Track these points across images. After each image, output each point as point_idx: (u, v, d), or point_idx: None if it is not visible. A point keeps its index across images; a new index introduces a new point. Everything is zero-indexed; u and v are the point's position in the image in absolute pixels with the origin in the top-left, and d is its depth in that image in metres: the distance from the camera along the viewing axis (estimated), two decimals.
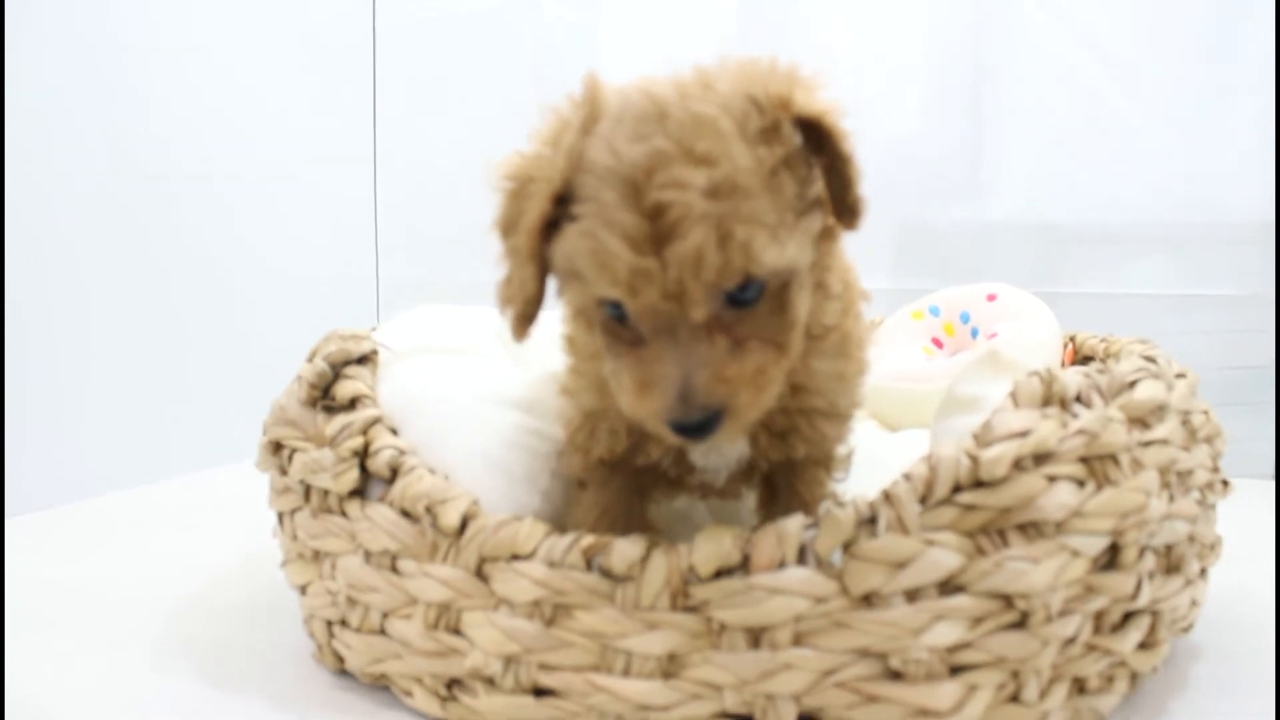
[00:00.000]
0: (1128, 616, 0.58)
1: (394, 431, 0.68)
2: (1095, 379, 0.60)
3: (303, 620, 0.73)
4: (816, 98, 0.54)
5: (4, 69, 1.29)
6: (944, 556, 0.52)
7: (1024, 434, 0.54)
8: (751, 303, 0.52)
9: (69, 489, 1.18)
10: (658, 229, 0.49)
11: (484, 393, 0.73)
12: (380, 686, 0.66)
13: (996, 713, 0.53)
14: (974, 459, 0.53)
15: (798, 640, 0.53)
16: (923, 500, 0.53)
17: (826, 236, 0.58)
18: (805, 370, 0.60)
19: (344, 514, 0.66)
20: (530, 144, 0.57)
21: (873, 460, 0.89)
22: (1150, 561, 0.58)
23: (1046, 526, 0.53)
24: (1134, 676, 0.60)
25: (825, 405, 0.63)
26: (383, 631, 0.64)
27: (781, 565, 0.53)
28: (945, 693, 0.52)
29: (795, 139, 0.54)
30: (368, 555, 0.64)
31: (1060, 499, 0.53)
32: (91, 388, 1.42)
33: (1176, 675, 0.67)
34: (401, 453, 0.65)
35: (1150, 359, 0.69)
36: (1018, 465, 0.53)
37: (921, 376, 1.07)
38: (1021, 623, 0.53)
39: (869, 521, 0.53)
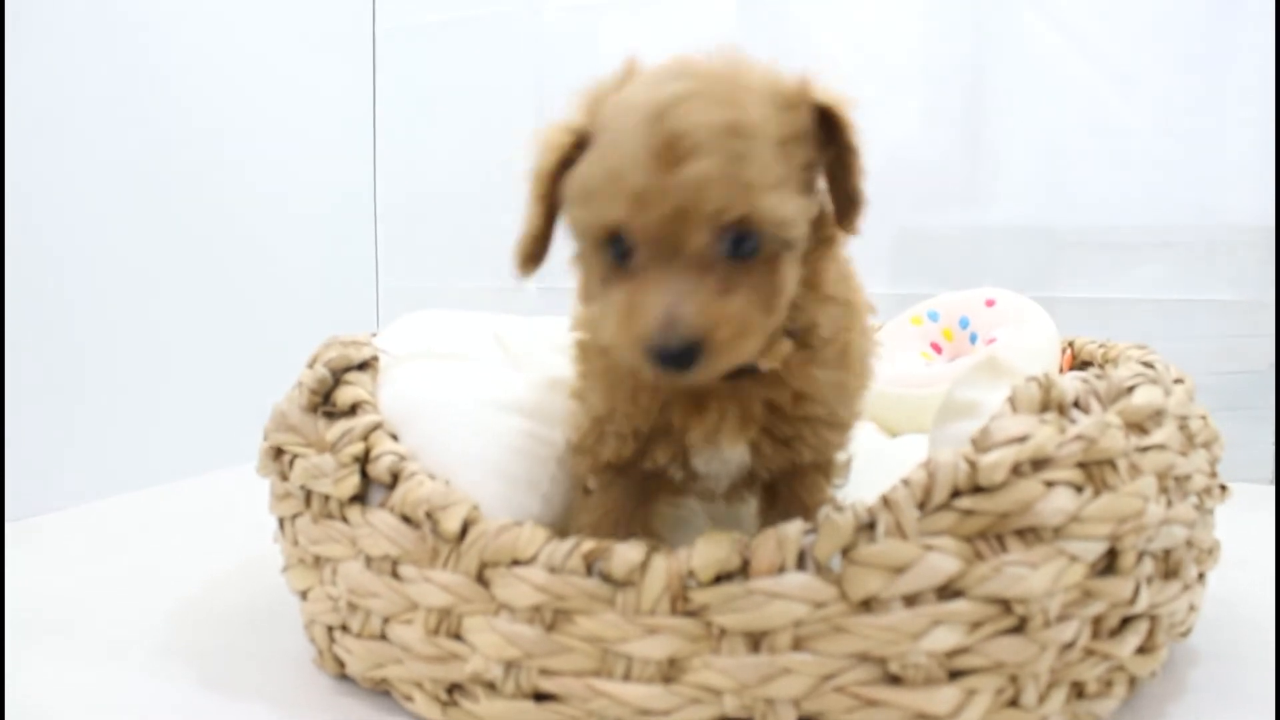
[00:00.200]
0: (1126, 621, 0.58)
1: (394, 437, 0.69)
2: (1093, 384, 0.60)
3: (303, 625, 0.73)
4: (833, 89, 0.58)
5: (2, 74, 1.29)
6: (942, 561, 0.52)
7: (1022, 439, 0.54)
8: (746, 258, 0.53)
9: (70, 493, 1.18)
10: (671, 153, 0.51)
11: (484, 398, 0.73)
12: (381, 691, 0.66)
13: (995, 717, 0.54)
14: (972, 464, 0.53)
15: (797, 645, 0.53)
16: (921, 505, 0.53)
17: (826, 243, 0.60)
18: (807, 378, 0.62)
19: (345, 519, 0.66)
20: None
21: (872, 465, 0.90)
22: (1148, 566, 0.58)
23: (1045, 531, 0.53)
24: (1132, 681, 0.60)
25: (826, 414, 0.64)
26: (383, 636, 0.64)
27: (781, 570, 0.54)
28: (944, 697, 0.52)
29: (809, 125, 0.57)
30: (368, 560, 0.64)
31: (1058, 504, 0.53)
32: (92, 392, 1.42)
33: (1175, 680, 0.67)
34: (402, 458, 0.65)
35: (1148, 364, 0.69)
36: (1016, 470, 0.53)
37: (920, 381, 1.07)
38: (1020, 627, 0.53)
39: (868, 526, 0.54)
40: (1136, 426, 0.59)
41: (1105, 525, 0.54)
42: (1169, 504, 0.60)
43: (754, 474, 0.66)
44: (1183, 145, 1.51)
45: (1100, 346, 0.98)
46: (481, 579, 0.59)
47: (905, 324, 1.19)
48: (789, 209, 0.54)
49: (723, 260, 0.53)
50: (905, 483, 0.54)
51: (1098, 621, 0.56)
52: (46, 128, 1.36)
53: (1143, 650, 0.60)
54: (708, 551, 0.54)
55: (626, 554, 0.55)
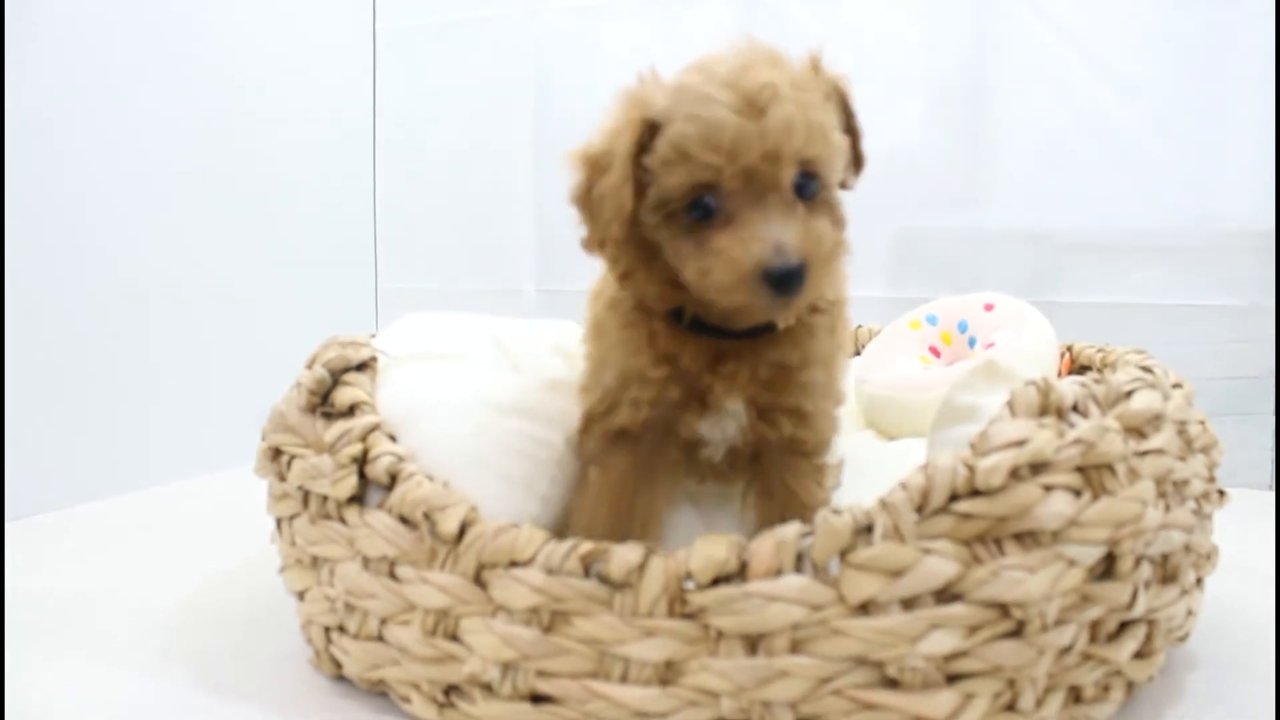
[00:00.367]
0: (1124, 626, 0.58)
1: (393, 438, 0.68)
2: (1092, 389, 0.60)
3: (301, 626, 0.73)
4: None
5: (3, 71, 1.29)
6: (940, 565, 0.52)
7: (1020, 443, 0.54)
8: (809, 199, 0.61)
9: (66, 493, 1.18)
10: (755, 104, 0.58)
11: (483, 399, 0.73)
12: (378, 692, 0.66)
13: None
14: (971, 468, 0.53)
15: (794, 648, 0.53)
16: (919, 509, 0.53)
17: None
18: (811, 341, 0.69)
19: (342, 520, 0.66)
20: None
21: (870, 469, 0.89)
22: (1146, 571, 0.58)
23: (1043, 536, 0.53)
24: (1130, 685, 0.60)
25: (824, 380, 0.70)
26: (381, 638, 0.64)
27: (779, 573, 0.54)
28: (941, 701, 0.52)
29: (831, 92, 0.65)
30: (366, 561, 0.64)
31: (1056, 508, 0.53)
32: (91, 392, 1.42)
33: (1172, 684, 0.67)
34: (400, 459, 0.65)
35: (1147, 369, 0.69)
36: (1014, 474, 0.53)
37: (919, 385, 1.07)
38: (1018, 631, 0.53)
39: (865, 530, 0.54)
40: (1135, 431, 0.59)
41: (1103, 530, 0.54)
42: (1167, 509, 0.60)
43: (752, 444, 0.71)
44: (1181, 150, 1.51)
45: (1099, 351, 0.98)
46: (479, 580, 0.59)
47: (904, 328, 1.19)
48: (843, 152, 0.64)
49: (796, 201, 0.60)
50: (903, 486, 0.54)
51: (1095, 626, 0.57)
52: (45, 131, 1.37)
53: (1140, 655, 0.60)
54: (705, 554, 0.54)
55: (624, 556, 0.55)
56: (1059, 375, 1.04)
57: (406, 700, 0.63)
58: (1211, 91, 1.50)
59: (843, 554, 0.53)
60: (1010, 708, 0.54)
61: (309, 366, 0.73)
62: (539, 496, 0.70)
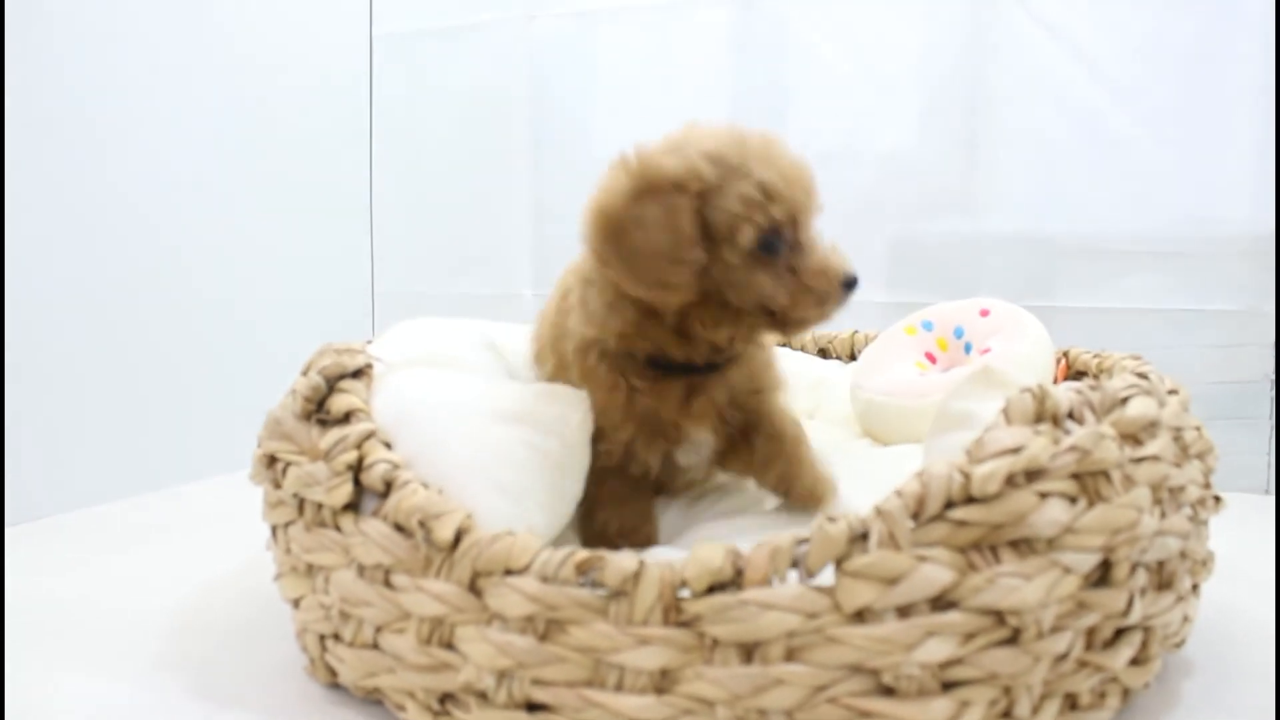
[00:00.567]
0: (1119, 633, 0.58)
1: (388, 445, 0.68)
2: (1087, 395, 0.60)
3: (296, 634, 0.73)
4: None
5: (3, 75, 1.29)
6: (936, 572, 0.52)
7: (1016, 450, 0.54)
8: None
9: (62, 500, 1.17)
10: (804, 163, 0.72)
11: (479, 406, 0.73)
12: (373, 701, 0.66)
13: None
14: (966, 475, 0.53)
15: (790, 656, 0.53)
16: (915, 516, 0.53)
17: None
18: (752, 358, 0.81)
19: (338, 528, 0.66)
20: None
21: (865, 475, 0.89)
22: (1142, 578, 0.58)
23: (1038, 543, 0.53)
24: (1126, 692, 0.60)
25: (770, 383, 0.83)
26: (376, 646, 0.64)
27: (774, 581, 0.54)
28: (937, 709, 0.52)
29: None
30: (361, 569, 0.64)
31: (1052, 515, 0.53)
32: (86, 398, 1.42)
33: (1169, 691, 0.67)
34: (395, 466, 0.65)
35: (1142, 375, 0.69)
36: (1010, 482, 0.53)
37: (915, 392, 1.07)
38: (1013, 639, 0.53)
39: (861, 537, 0.53)
40: (1131, 438, 0.59)
41: (1099, 537, 0.54)
42: (1163, 515, 0.60)
43: (722, 452, 0.83)
44: (1177, 155, 1.51)
45: (1095, 357, 0.98)
46: (474, 588, 0.58)
47: (899, 334, 1.19)
48: None
49: None
50: (899, 493, 0.54)
51: (1091, 633, 0.56)
52: (43, 135, 1.36)
53: (1136, 662, 0.59)
54: (700, 561, 0.54)
55: (619, 563, 0.55)
56: (1055, 381, 1.04)
57: (401, 708, 0.63)
58: (1207, 96, 1.50)
59: (838, 562, 0.53)
60: (1006, 715, 0.54)
61: (304, 373, 0.72)
62: (537, 504, 0.70)
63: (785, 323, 0.73)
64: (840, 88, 1.71)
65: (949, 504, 0.53)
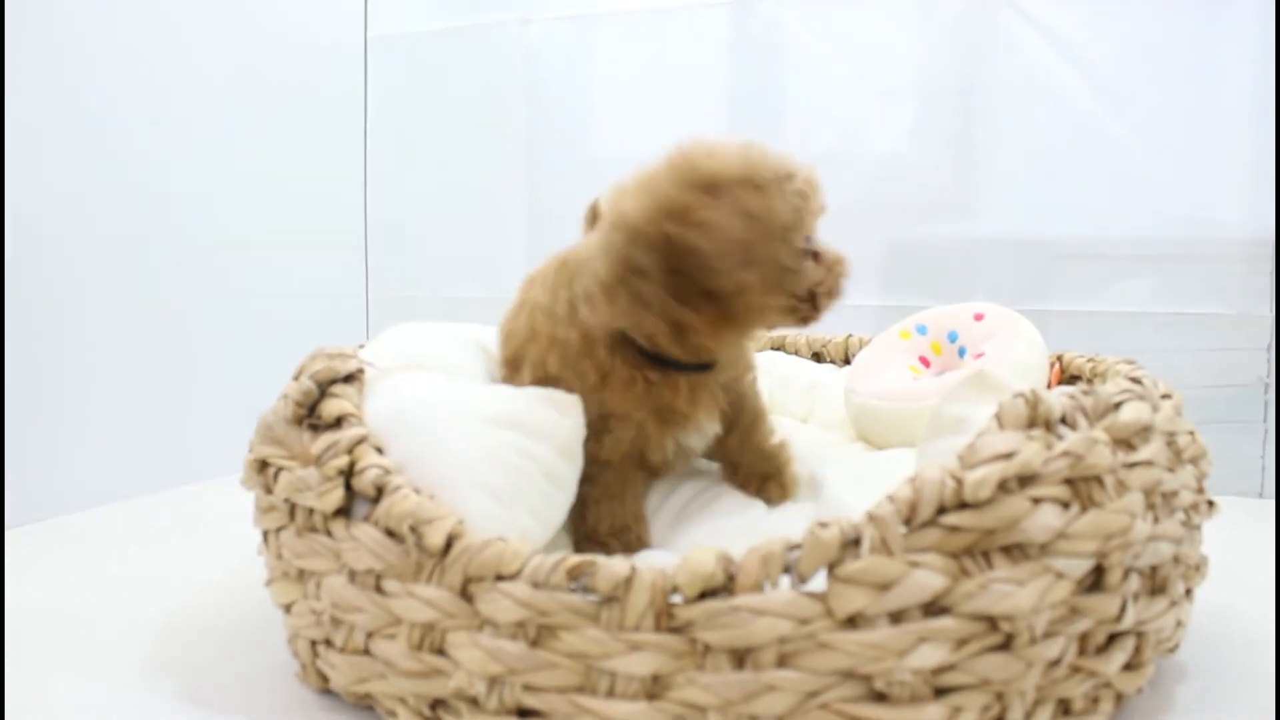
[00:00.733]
0: (1113, 638, 0.58)
1: (380, 450, 0.68)
2: (1080, 400, 0.60)
3: (287, 639, 0.72)
4: None
5: (3, 75, 1.29)
6: (928, 578, 0.52)
7: (1009, 456, 0.54)
8: None
9: (51, 504, 1.17)
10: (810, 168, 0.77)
11: (471, 411, 0.73)
12: (364, 706, 0.66)
13: None
14: (959, 480, 0.53)
15: (782, 662, 0.53)
16: (907, 521, 0.53)
17: None
18: (737, 354, 0.87)
19: (329, 533, 0.66)
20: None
21: (858, 479, 0.89)
22: (1135, 583, 0.58)
23: (1031, 548, 0.53)
24: (1119, 698, 0.60)
25: (752, 375, 0.93)
26: (367, 651, 0.63)
27: (766, 587, 0.53)
28: (930, 715, 0.52)
29: None
30: (352, 575, 0.64)
31: (1045, 521, 0.53)
32: (79, 402, 1.41)
33: (1162, 696, 0.67)
34: (387, 472, 0.65)
35: (1136, 380, 0.69)
36: (1002, 487, 0.53)
37: (908, 396, 1.07)
38: (1006, 644, 0.53)
39: (853, 543, 0.53)
40: (1124, 443, 0.59)
41: (1092, 542, 0.54)
42: (1156, 520, 0.60)
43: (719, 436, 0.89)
44: (1173, 159, 1.51)
45: (1089, 361, 0.98)
46: (465, 594, 0.58)
47: (893, 337, 1.19)
48: None
49: None
50: (891, 499, 0.54)
51: (1084, 638, 0.56)
52: (41, 139, 1.36)
53: (1129, 667, 0.59)
54: (692, 567, 0.54)
55: (611, 569, 0.55)
56: (1049, 385, 1.04)
57: (393, 714, 0.63)
58: (1201, 100, 1.50)
59: (830, 567, 0.53)
60: None
61: (296, 378, 0.72)
62: (529, 509, 0.70)
63: (818, 309, 0.78)
64: (836, 91, 1.71)
65: (941, 509, 0.53)
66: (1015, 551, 0.53)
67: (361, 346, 0.84)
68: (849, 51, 1.69)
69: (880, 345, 1.20)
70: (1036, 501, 0.53)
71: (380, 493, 0.64)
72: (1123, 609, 0.56)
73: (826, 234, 0.81)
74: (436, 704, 0.60)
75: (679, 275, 0.71)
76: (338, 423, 0.69)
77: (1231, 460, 1.43)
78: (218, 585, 0.91)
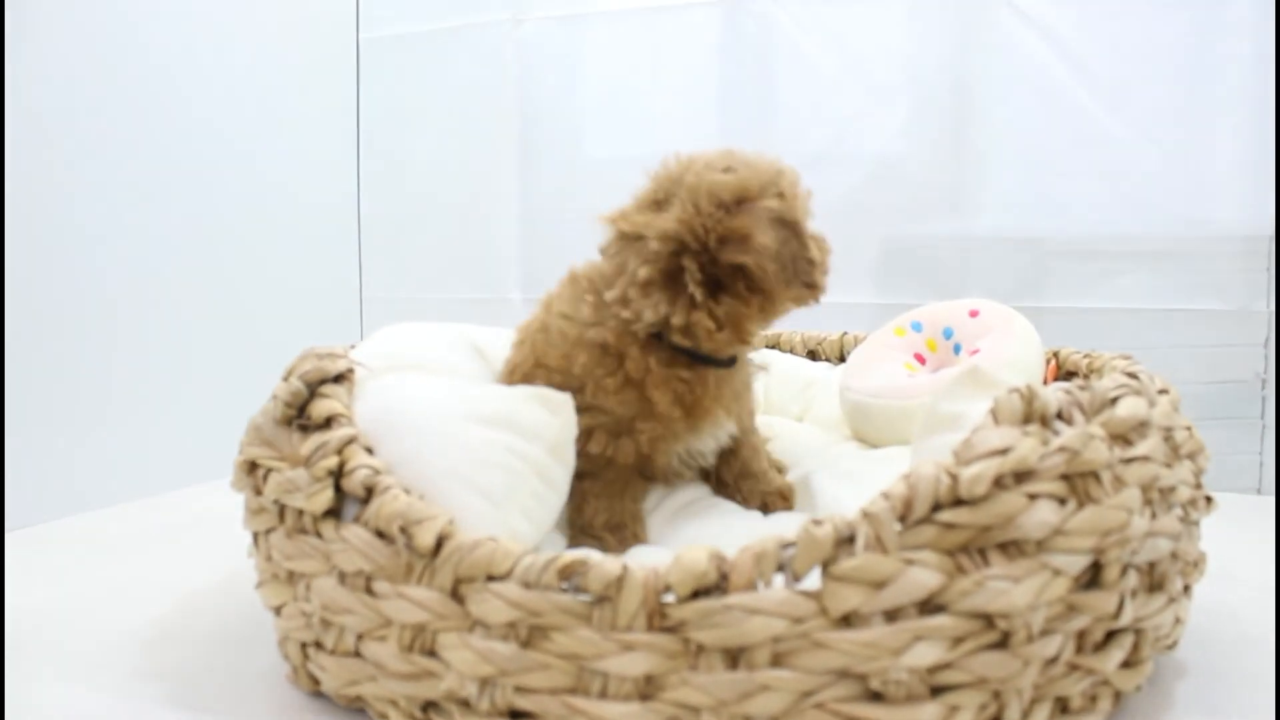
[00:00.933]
0: (1110, 635, 0.57)
1: (370, 450, 0.68)
2: (1077, 396, 0.60)
3: (278, 642, 0.72)
4: None
5: (3, 77, 1.29)
6: (924, 576, 0.52)
7: (1004, 451, 0.54)
8: None
9: (41, 509, 1.16)
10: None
11: (462, 410, 0.72)
12: (356, 709, 0.65)
13: None
14: (954, 477, 0.53)
15: (776, 661, 0.52)
16: (902, 519, 0.53)
17: None
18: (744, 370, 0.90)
19: (319, 534, 0.65)
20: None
21: (853, 477, 0.89)
22: (1133, 579, 0.57)
23: (1027, 545, 0.53)
24: (1117, 695, 0.60)
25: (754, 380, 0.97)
26: (357, 653, 0.63)
27: (760, 585, 0.53)
28: (926, 714, 0.52)
29: None
30: (342, 576, 0.63)
31: (1041, 517, 0.52)
32: (67, 405, 1.40)
33: (1161, 693, 0.66)
34: (377, 472, 0.64)
35: (1132, 375, 0.69)
36: (998, 483, 0.53)
37: (904, 393, 1.06)
38: (1003, 642, 0.52)
39: (848, 540, 0.53)
40: (1120, 438, 0.59)
41: (1089, 538, 0.53)
42: (1153, 516, 0.59)
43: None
44: (1168, 155, 1.51)
45: (1085, 357, 0.98)
46: (456, 595, 0.58)
47: (888, 335, 1.18)
48: None
49: None
50: (886, 496, 0.53)
51: (1081, 636, 0.56)
52: (35, 141, 1.36)
53: (1127, 664, 0.59)
54: (685, 566, 0.53)
55: (603, 569, 0.54)
56: (1045, 381, 1.04)
57: (384, 717, 0.62)
58: (1196, 97, 1.50)
59: (824, 565, 0.53)
60: None
61: (285, 378, 0.72)
62: (520, 509, 0.69)
63: (817, 288, 0.81)
64: (829, 90, 1.71)
65: (936, 506, 0.53)
66: (1011, 548, 0.53)
67: (352, 347, 0.84)
68: (842, 49, 1.70)
69: (875, 343, 1.19)
70: (1033, 498, 0.53)
71: (370, 493, 0.63)
72: (1120, 606, 0.56)
73: (821, 232, 0.85)
74: (428, 706, 0.60)
75: (715, 279, 0.78)
76: (327, 423, 0.69)
77: (1229, 457, 1.43)
78: (209, 588, 0.91)
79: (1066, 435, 0.55)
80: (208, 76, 1.68)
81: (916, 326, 1.17)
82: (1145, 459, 0.59)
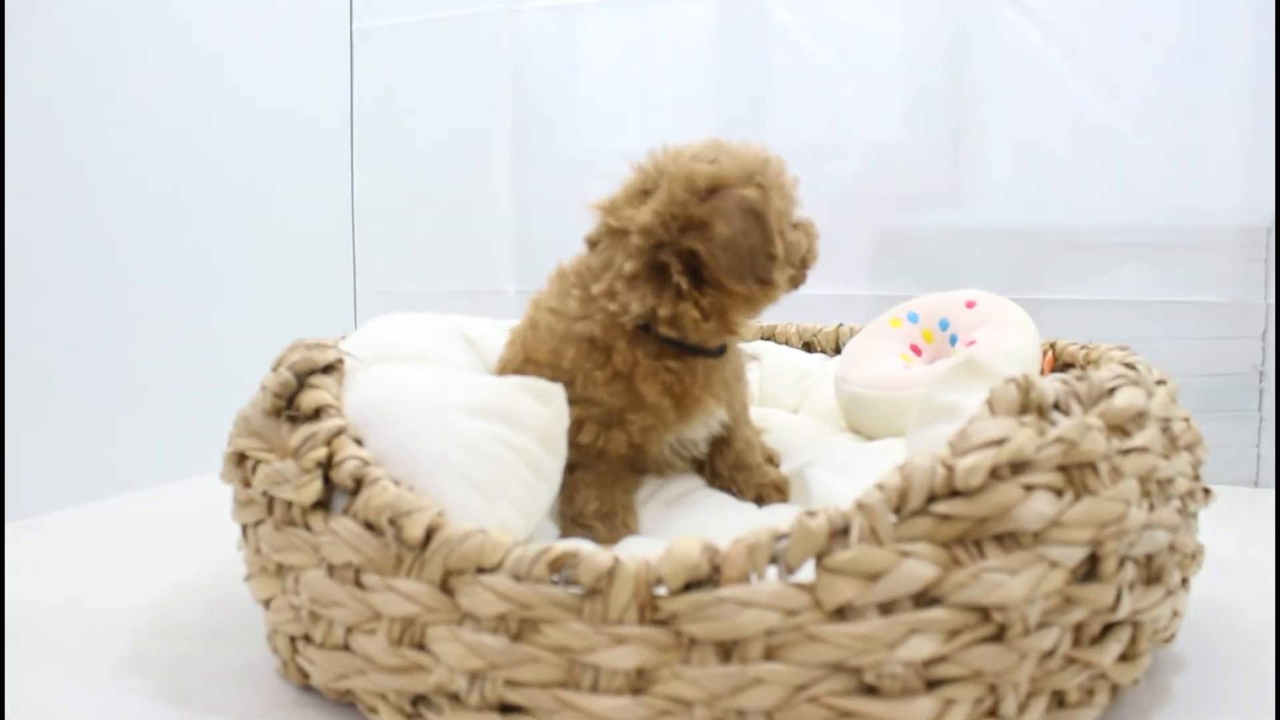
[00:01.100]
0: (1108, 628, 0.57)
1: (359, 442, 0.67)
2: (1074, 386, 0.59)
3: (267, 635, 0.71)
4: None
5: (2, 79, 1.28)
6: (919, 568, 0.51)
7: (1000, 442, 0.53)
8: None
9: (30, 501, 1.16)
10: None
11: (452, 401, 0.72)
12: (345, 703, 0.65)
13: None
14: (949, 468, 0.52)
15: (769, 654, 0.52)
16: (897, 510, 0.52)
17: None
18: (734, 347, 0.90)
19: (307, 527, 0.64)
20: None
21: (848, 469, 0.88)
22: (1130, 572, 0.57)
23: (1024, 537, 0.52)
24: (1115, 689, 0.59)
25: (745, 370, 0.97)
26: (347, 647, 0.62)
27: (753, 577, 0.52)
28: (921, 708, 0.51)
29: None
30: (331, 569, 0.62)
31: (1038, 509, 0.52)
32: (57, 398, 1.40)
33: (1158, 686, 0.66)
34: (366, 464, 0.64)
35: (1130, 366, 0.68)
36: (994, 474, 0.52)
37: (900, 384, 1.06)
38: (999, 635, 0.52)
39: (842, 532, 0.52)
40: (1118, 429, 0.58)
41: (1086, 530, 0.53)
42: (1151, 508, 0.59)
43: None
44: (1164, 146, 1.51)
45: (1082, 348, 0.97)
46: (446, 587, 0.57)
47: (884, 326, 1.17)
48: None
49: None
50: (880, 487, 0.53)
51: (1079, 629, 0.55)
52: (30, 138, 1.35)
53: (1125, 658, 0.58)
54: (677, 558, 0.53)
55: (594, 561, 0.54)
56: (1041, 373, 1.03)
57: (374, 711, 0.62)
58: (1193, 88, 1.49)
59: (818, 557, 0.52)
60: (992, 714, 0.53)
61: (274, 369, 0.71)
62: (510, 500, 0.69)
63: (771, 285, 0.80)
64: (825, 80, 1.70)
65: (932, 497, 0.52)
66: (1008, 540, 0.52)
67: (343, 338, 0.83)
68: (838, 41, 1.69)
69: (871, 334, 1.19)
70: (1029, 489, 0.52)
71: (359, 485, 0.62)
72: (1118, 599, 0.55)
73: (817, 223, 0.88)
74: (418, 700, 0.59)
75: (697, 270, 0.79)
76: (316, 414, 0.68)
77: (1227, 449, 1.43)
78: (198, 581, 0.90)
79: (1063, 426, 0.54)
80: (200, 67, 1.67)
81: (912, 317, 1.17)
82: (1143, 450, 0.58)
